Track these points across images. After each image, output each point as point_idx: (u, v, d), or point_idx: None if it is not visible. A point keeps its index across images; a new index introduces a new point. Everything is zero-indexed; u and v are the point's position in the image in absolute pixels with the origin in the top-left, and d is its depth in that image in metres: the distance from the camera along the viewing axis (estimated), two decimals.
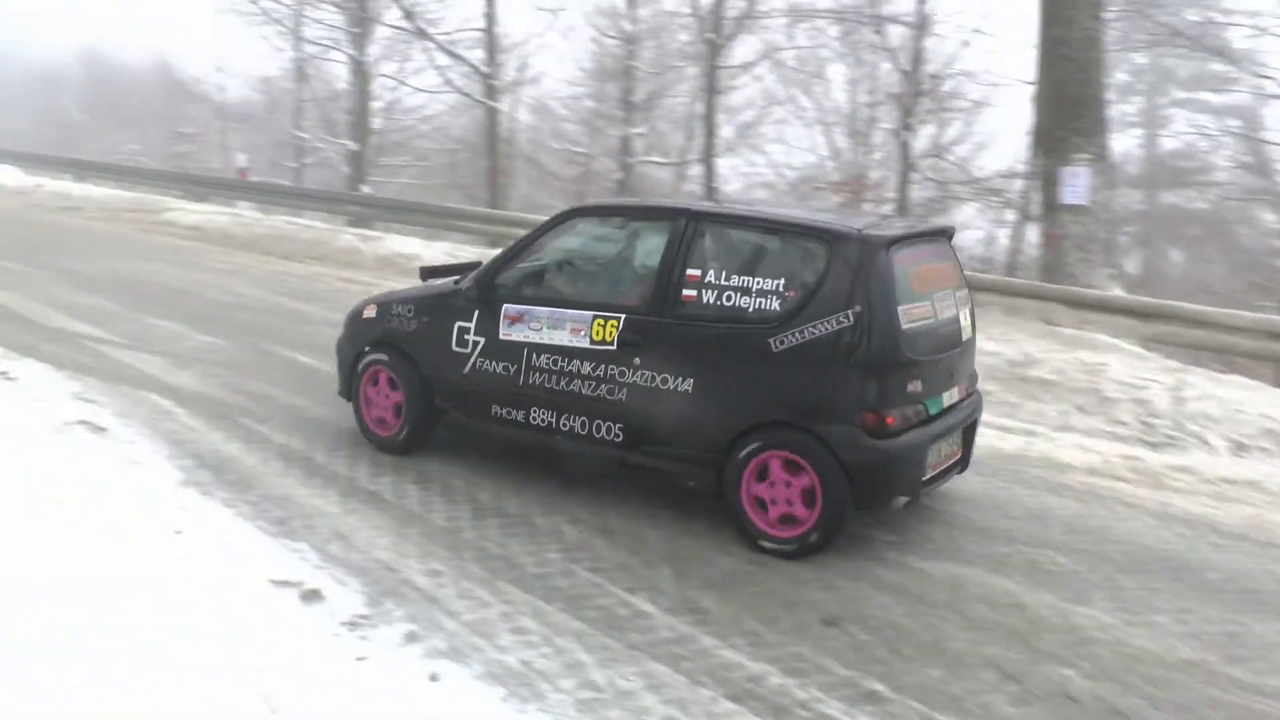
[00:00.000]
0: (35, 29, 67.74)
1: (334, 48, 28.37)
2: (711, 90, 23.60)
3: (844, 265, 5.63)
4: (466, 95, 25.94)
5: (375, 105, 28.63)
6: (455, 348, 6.58)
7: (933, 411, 5.90)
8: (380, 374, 6.98)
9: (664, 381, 5.91)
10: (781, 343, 5.64)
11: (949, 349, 6.06)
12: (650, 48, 27.17)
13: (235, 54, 44.28)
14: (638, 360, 5.98)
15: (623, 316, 6.05)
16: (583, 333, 6.13)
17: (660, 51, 27.08)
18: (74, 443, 6.53)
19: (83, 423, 7.01)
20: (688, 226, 6.06)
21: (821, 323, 5.59)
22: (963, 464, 6.37)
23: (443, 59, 25.54)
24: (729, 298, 5.84)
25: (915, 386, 5.73)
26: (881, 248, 5.65)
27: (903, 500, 5.71)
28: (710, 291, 5.88)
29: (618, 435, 6.06)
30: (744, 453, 5.76)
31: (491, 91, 24.73)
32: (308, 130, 30.99)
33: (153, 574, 4.55)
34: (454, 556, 5.50)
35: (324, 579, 5.06)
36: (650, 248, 6.20)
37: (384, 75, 28.53)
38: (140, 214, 20.17)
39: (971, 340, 6.44)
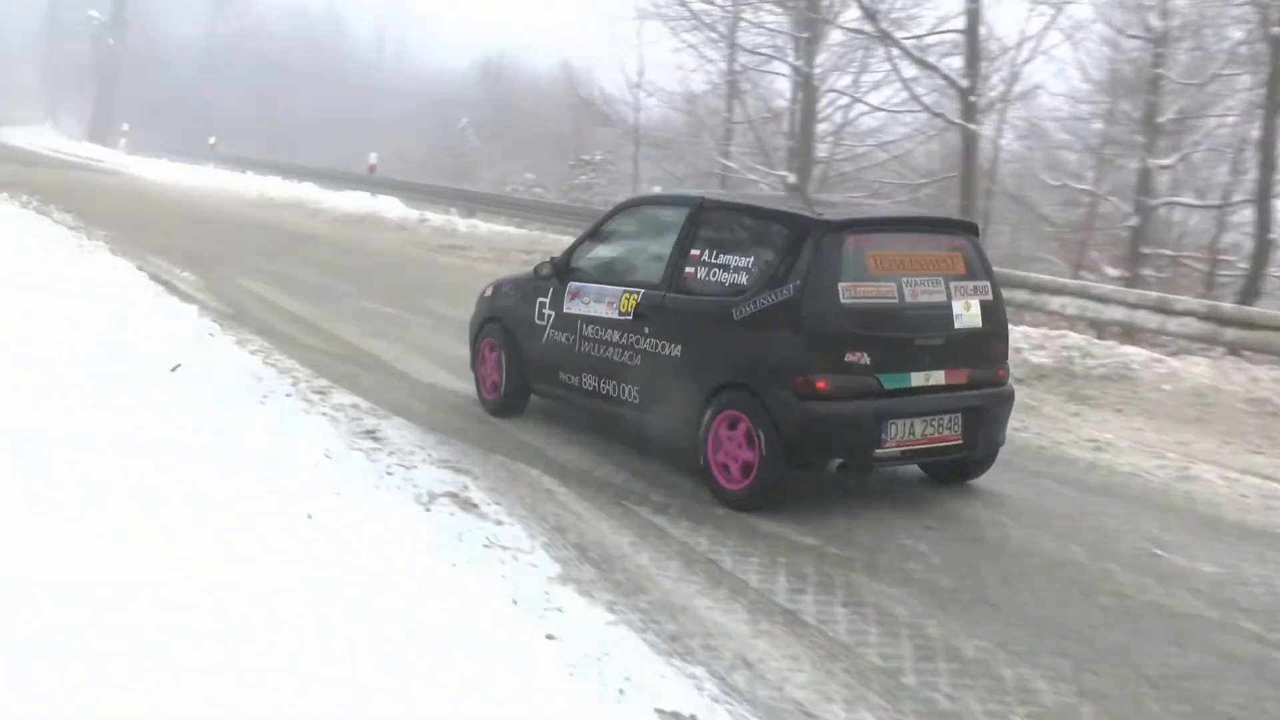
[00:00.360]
0: (436, 47, 74.04)
1: (775, 57, 29.16)
2: (1274, 106, 21.93)
3: (794, 244, 8.16)
4: (938, 116, 25.87)
5: (821, 128, 29.10)
6: (536, 321, 9.71)
7: (889, 386, 8.10)
8: (490, 344, 10.22)
9: (663, 348, 8.59)
10: (740, 312, 8.18)
11: (926, 331, 8.29)
12: (1186, 50, 26.06)
13: (655, 67, 45.92)
14: (647, 329, 8.71)
15: (641, 291, 8.87)
16: (614, 305, 9.01)
17: (1200, 55, 25.93)
18: (441, 520, 6.91)
19: (451, 496, 7.42)
20: (697, 212, 8.89)
21: (770, 294, 8.09)
22: (970, 449, 8.49)
23: (909, 70, 25.62)
24: (714, 274, 8.50)
25: (858, 358, 7.97)
26: (829, 230, 8.10)
27: (836, 462, 7.94)
28: (704, 269, 8.58)
29: (634, 397, 8.80)
30: (708, 414, 8.28)
31: (970, 111, 24.51)
32: (736, 158, 31.80)
33: (514, 684, 4.66)
34: (890, 707, 5.39)
35: (723, 716, 5.05)
36: (671, 231, 8.97)
37: (834, 90, 28.95)
38: (533, 256, 21.33)
39: (978, 330, 8.55)
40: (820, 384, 7.92)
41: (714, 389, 8.27)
